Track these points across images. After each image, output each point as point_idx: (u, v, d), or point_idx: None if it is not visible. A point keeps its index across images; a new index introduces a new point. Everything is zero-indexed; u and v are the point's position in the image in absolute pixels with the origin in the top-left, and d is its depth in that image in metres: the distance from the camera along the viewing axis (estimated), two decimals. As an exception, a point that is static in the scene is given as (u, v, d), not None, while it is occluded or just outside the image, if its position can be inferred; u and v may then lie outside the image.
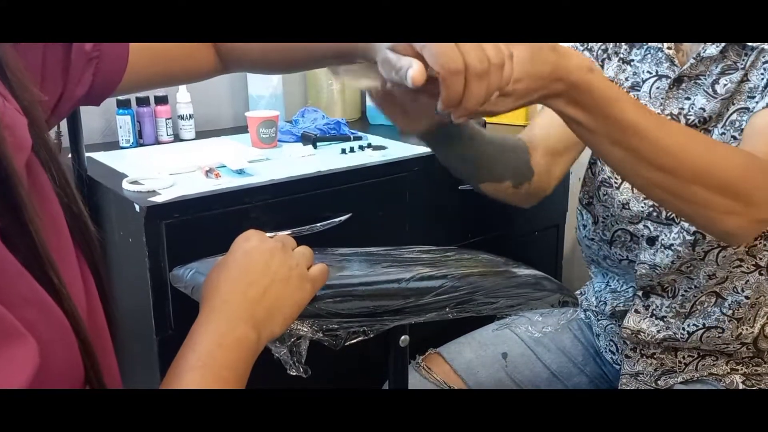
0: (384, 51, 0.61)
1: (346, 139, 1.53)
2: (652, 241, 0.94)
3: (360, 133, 1.58)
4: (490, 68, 0.57)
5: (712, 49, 0.86)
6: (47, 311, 0.46)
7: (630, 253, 0.98)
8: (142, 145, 1.51)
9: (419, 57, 0.58)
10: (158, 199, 1.08)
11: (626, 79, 0.97)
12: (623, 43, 0.97)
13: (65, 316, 0.48)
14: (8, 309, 0.42)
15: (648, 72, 0.94)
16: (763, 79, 0.83)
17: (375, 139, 1.54)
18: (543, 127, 0.98)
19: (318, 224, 1.23)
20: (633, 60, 0.96)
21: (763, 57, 0.83)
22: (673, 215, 0.90)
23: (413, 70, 0.57)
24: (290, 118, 1.68)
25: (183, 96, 1.56)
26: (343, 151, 1.43)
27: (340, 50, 0.69)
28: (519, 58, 0.63)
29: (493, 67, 0.58)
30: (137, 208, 1.06)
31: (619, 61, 0.98)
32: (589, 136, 0.72)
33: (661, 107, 0.92)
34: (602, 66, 1.00)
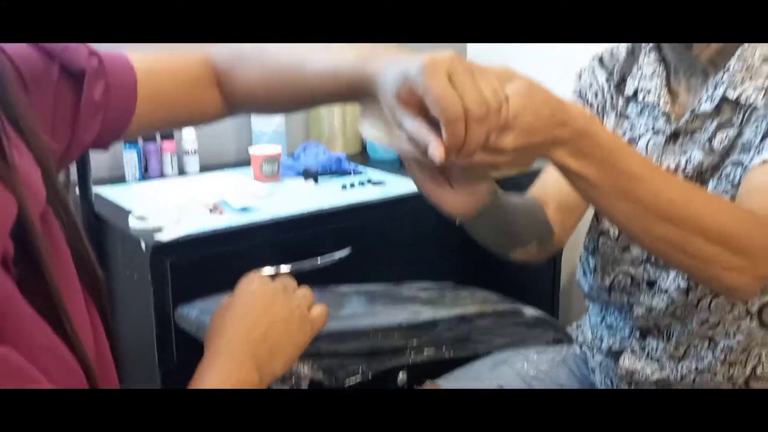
0: (391, 100, 0.62)
1: (347, 173, 1.56)
2: (651, 284, 0.96)
3: (360, 168, 1.62)
4: (489, 111, 0.59)
5: (707, 105, 0.87)
6: (60, 358, 0.49)
7: (630, 297, 0.99)
8: (147, 178, 1.55)
9: (422, 103, 0.60)
10: (163, 236, 1.11)
11: (624, 134, 0.98)
12: (620, 98, 0.98)
13: (77, 362, 0.50)
14: (25, 357, 0.44)
15: (645, 127, 0.95)
16: (756, 135, 0.84)
17: (375, 174, 1.58)
18: (554, 182, 0.97)
19: (318, 259, 1.25)
20: (629, 115, 0.97)
21: (757, 113, 0.85)
22: None
23: (438, 152, 0.59)
24: (292, 152, 1.72)
25: (188, 132, 1.60)
26: (344, 186, 1.46)
27: (341, 88, 0.71)
28: (516, 92, 0.64)
29: (492, 110, 0.60)
30: (143, 246, 1.09)
31: (616, 116, 0.99)
32: (594, 192, 0.71)
33: (658, 161, 0.93)
34: (601, 121, 1.00)
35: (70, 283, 0.56)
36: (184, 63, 0.79)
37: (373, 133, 0.69)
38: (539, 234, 0.96)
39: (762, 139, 0.82)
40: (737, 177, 0.86)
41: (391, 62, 0.64)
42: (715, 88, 0.87)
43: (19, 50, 0.64)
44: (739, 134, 0.86)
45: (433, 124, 0.60)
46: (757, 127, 0.84)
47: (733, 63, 0.86)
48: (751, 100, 0.84)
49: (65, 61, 0.68)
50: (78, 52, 0.69)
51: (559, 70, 1.93)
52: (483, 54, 2.18)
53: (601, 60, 1.02)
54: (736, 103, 0.86)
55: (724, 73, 0.86)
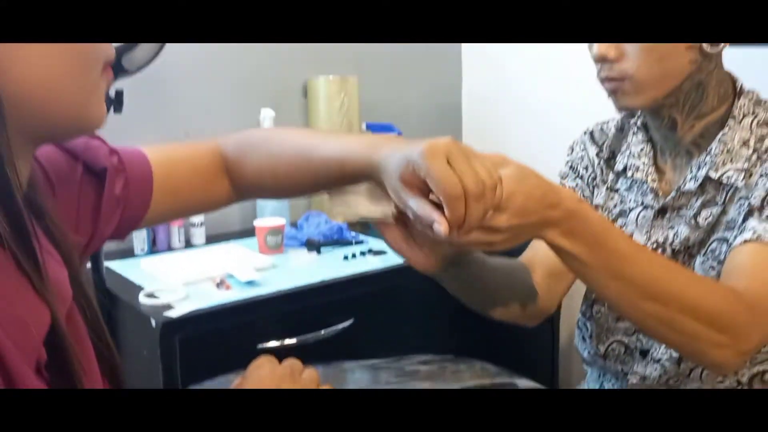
0: (396, 183, 0.67)
1: (348, 243, 1.61)
2: (644, 353, 0.99)
3: (361, 237, 1.67)
4: (485, 190, 0.64)
5: (691, 184, 0.92)
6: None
7: (624, 366, 1.02)
8: (155, 252, 1.60)
9: (424, 183, 0.65)
10: (173, 313, 1.15)
11: (614, 206, 1.02)
12: (610, 172, 1.03)
13: None
14: None
15: (634, 201, 1.00)
16: (739, 213, 0.88)
17: (375, 243, 1.62)
18: (545, 248, 0.96)
19: (322, 331, 1.29)
20: (619, 188, 1.02)
21: (739, 193, 0.89)
22: None
23: (443, 228, 0.64)
24: (295, 221, 1.77)
25: (194, 205, 1.65)
26: (346, 257, 1.50)
27: (347, 174, 0.75)
28: (508, 176, 0.69)
29: (488, 189, 0.65)
30: (153, 323, 1.13)
31: (606, 189, 1.04)
32: (585, 271, 0.75)
33: (647, 234, 0.97)
34: (592, 193, 1.06)
35: (92, 375, 0.59)
36: (196, 153, 0.83)
37: (340, 211, 0.77)
38: (521, 296, 0.98)
39: (744, 220, 0.86)
40: (722, 253, 0.90)
41: (394, 149, 0.69)
42: (699, 169, 0.92)
43: (45, 151, 0.69)
44: (724, 212, 0.91)
45: (434, 202, 0.65)
46: (740, 206, 0.89)
47: (714, 146, 0.91)
48: (732, 180, 0.89)
49: (88, 160, 0.73)
50: (99, 150, 0.74)
51: (550, 71, 2.02)
52: (477, 54, 2.21)
53: (591, 135, 1.08)
54: (719, 182, 0.90)
55: (706, 155, 0.91)
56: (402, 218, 0.74)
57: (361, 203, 0.76)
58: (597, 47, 0.89)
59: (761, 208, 0.85)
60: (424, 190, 0.66)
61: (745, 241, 0.83)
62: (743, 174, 0.89)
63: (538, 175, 0.72)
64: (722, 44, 0.88)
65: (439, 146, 0.64)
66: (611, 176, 1.04)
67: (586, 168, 1.07)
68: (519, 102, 2.08)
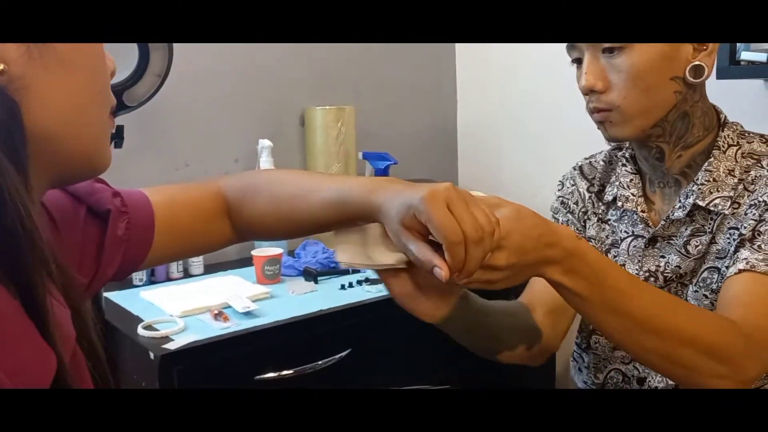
0: (396, 226, 0.69)
1: (345, 272, 1.63)
2: (641, 381, 1.00)
3: (358, 266, 1.68)
4: (484, 235, 0.66)
5: (680, 212, 0.94)
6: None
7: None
8: (154, 282, 1.61)
9: (424, 228, 0.67)
10: (171, 345, 1.16)
11: (607, 237, 1.04)
12: (601, 204, 1.06)
13: None
14: None
15: (625, 232, 1.01)
16: (730, 243, 0.90)
17: (371, 272, 1.64)
18: (544, 287, 0.98)
19: (320, 362, 1.30)
20: (610, 219, 1.04)
21: (728, 222, 0.92)
22: None
23: (443, 273, 0.66)
24: (292, 250, 1.78)
25: (193, 235, 1.67)
26: (343, 286, 1.52)
27: (346, 216, 0.77)
28: (506, 217, 0.71)
29: (486, 234, 0.67)
30: (152, 356, 1.14)
31: (597, 221, 1.06)
32: (585, 307, 0.77)
33: (639, 264, 0.99)
34: (584, 227, 1.08)
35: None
36: (198, 195, 0.85)
37: (346, 257, 0.76)
38: (525, 337, 0.99)
39: (736, 250, 0.88)
40: (714, 282, 0.92)
41: (395, 193, 0.71)
42: (687, 197, 0.94)
43: (49, 194, 0.70)
44: (714, 241, 0.93)
45: (434, 245, 0.67)
46: (730, 235, 0.91)
47: (701, 175, 0.93)
48: (719, 208, 0.91)
49: (92, 203, 0.74)
50: (103, 193, 0.76)
51: (545, 100, 2.04)
52: (473, 83, 2.24)
53: (581, 169, 1.10)
54: (707, 210, 0.93)
55: (693, 184, 0.94)
56: (412, 265, 0.73)
57: (372, 247, 0.75)
58: (584, 79, 0.91)
59: (752, 239, 0.87)
60: (424, 234, 0.68)
61: (740, 271, 0.85)
62: (729, 202, 0.91)
63: (535, 215, 0.74)
64: (705, 74, 0.90)
65: (440, 192, 0.66)
66: (602, 208, 1.06)
67: (576, 203, 1.09)
68: (514, 131, 2.11)
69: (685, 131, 0.94)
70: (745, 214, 0.90)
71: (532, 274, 0.75)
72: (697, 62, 0.89)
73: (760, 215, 0.88)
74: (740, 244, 0.88)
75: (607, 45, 0.89)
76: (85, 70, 0.55)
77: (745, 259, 0.85)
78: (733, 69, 1.21)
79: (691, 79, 0.90)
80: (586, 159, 1.11)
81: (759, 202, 0.89)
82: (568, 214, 1.10)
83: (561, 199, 1.12)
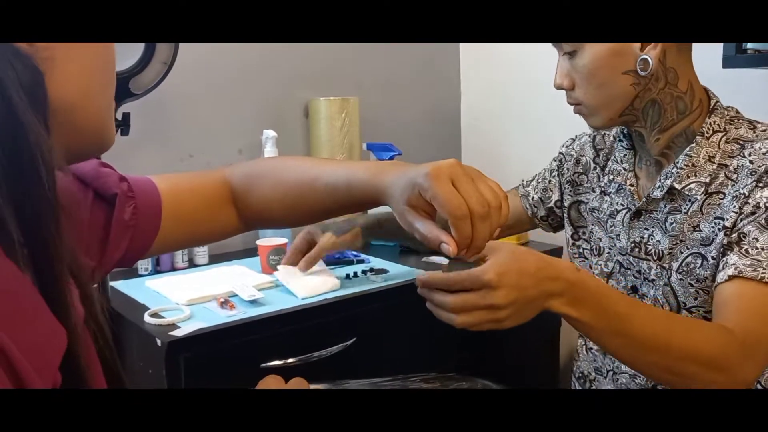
0: (402, 206, 0.69)
1: (350, 262, 1.63)
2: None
3: (362, 255, 1.68)
4: (490, 210, 0.67)
5: (658, 192, 0.99)
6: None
7: (613, 363, 1.08)
8: (159, 272, 1.61)
9: (430, 206, 0.68)
10: (178, 333, 1.16)
11: (607, 208, 1.09)
12: (603, 177, 1.11)
13: None
14: None
15: (620, 204, 1.07)
16: (714, 233, 0.94)
17: (377, 262, 1.64)
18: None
19: (325, 350, 1.31)
20: (610, 192, 1.09)
21: (713, 212, 0.94)
22: None
23: (451, 248, 0.67)
24: (297, 240, 1.79)
25: (197, 225, 1.67)
26: (347, 276, 1.52)
27: (353, 201, 0.77)
28: (501, 257, 0.75)
29: (493, 209, 0.67)
30: (158, 342, 1.14)
31: (600, 193, 1.11)
32: (591, 333, 0.81)
33: (628, 235, 1.04)
34: (561, 191, 1.15)
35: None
36: (204, 182, 0.85)
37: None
38: None
39: (724, 253, 0.91)
40: (698, 267, 0.95)
41: (399, 174, 0.71)
42: (666, 178, 0.98)
43: (57, 177, 0.71)
44: (696, 228, 0.96)
45: (441, 224, 0.68)
46: (714, 225, 0.94)
47: (681, 159, 0.97)
48: (693, 193, 0.96)
49: (99, 187, 0.74)
50: (110, 177, 0.76)
51: (549, 90, 2.02)
52: (475, 74, 2.24)
53: (593, 139, 1.16)
54: (688, 192, 0.97)
55: (673, 166, 0.98)
56: None
57: None
58: (555, 79, 1.01)
59: (739, 242, 0.90)
60: (430, 212, 0.69)
61: (729, 278, 0.88)
62: (703, 187, 0.95)
63: (531, 252, 0.78)
64: (650, 68, 0.94)
65: (444, 168, 0.67)
66: (605, 180, 1.11)
67: (569, 169, 1.16)
68: (518, 121, 2.11)
69: (659, 116, 0.98)
70: (730, 205, 0.93)
71: (538, 308, 0.78)
72: (644, 56, 0.94)
73: (740, 208, 0.91)
74: (729, 247, 0.91)
75: (567, 48, 0.98)
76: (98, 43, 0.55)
77: (733, 264, 0.88)
78: (739, 58, 1.22)
79: (641, 72, 0.94)
80: (600, 132, 1.17)
81: (740, 194, 0.92)
82: (558, 176, 1.17)
83: (561, 157, 1.20)
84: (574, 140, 1.20)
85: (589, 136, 1.16)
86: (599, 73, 0.96)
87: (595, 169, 1.13)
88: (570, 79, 0.99)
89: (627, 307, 0.81)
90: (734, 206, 0.92)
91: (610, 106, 0.98)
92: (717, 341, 0.82)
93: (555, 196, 1.19)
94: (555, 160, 1.22)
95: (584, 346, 1.17)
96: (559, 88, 1.01)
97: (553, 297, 0.77)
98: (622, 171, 1.06)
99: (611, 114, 0.99)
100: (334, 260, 1.63)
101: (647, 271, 1.01)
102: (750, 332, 0.83)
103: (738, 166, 0.93)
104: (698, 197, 0.95)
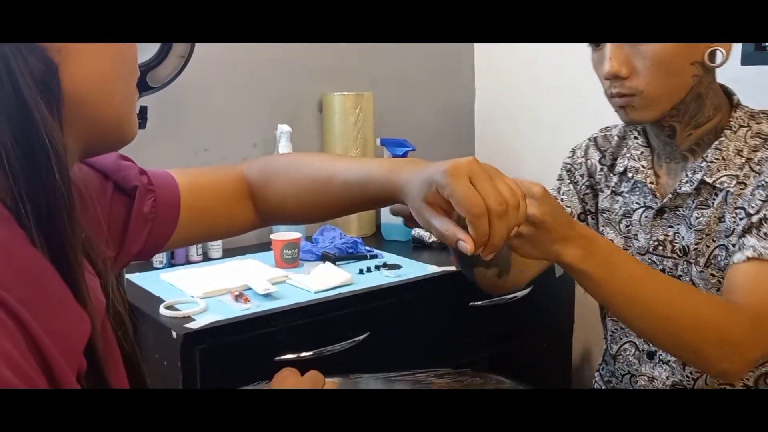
0: (419, 204, 0.69)
1: (363, 257, 1.63)
2: (651, 355, 1.03)
3: (375, 251, 1.69)
4: (508, 208, 0.67)
5: (687, 187, 0.98)
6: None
7: (630, 368, 1.07)
8: (173, 265, 1.62)
9: (447, 203, 0.67)
10: (193, 325, 1.17)
11: (619, 208, 1.08)
12: (613, 177, 1.09)
13: None
14: None
15: (637, 203, 1.05)
16: (736, 223, 0.93)
17: (390, 257, 1.65)
18: None
19: (338, 344, 1.31)
20: (623, 191, 1.07)
21: (735, 202, 0.94)
22: None
23: (468, 246, 0.66)
24: (310, 235, 1.79)
25: (212, 218, 1.68)
26: (361, 271, 1.53)
27: (369, 197, 0.77)
28: (542, 189, 0.75)
29: (511, 207, 0.67)
30: (174, 335, 1.15)
31: (611, 193, 1.09)
32: (600, 291, 0.80)
33: (649, 234, 1.03)
34: (583, 200, 1.12)
35: (120, 386, 0.61)
36: (222, 178, 0.85)
37: None
38: (500, 263, 0.99)
39: (743, 234, 0.91)
40: (722, 258, 0.95)
41: (417, 171, 0.71)
42: (694, 173, 0.97)
43: (78, 169, 0.71)
44: (721, 219, 0.96)
45: (458, 221, 0.68)
46: (737, 215, 0.93)
47: (710, 153, 0.96)
48: (725, 186, 0.95)
49: (119, 180, 0.75)
50: (130, 170, 0.76)
51: (562, 85, 2.03)
52: (490, 69, 2.24)
53: (595, 141, 1.13)
54: (713, 187, 0.96)
55: (702, 161, 0.97)
56: None
57: None
58: (608, 65, 0.92)
59: (759, 225, 0.89)
60: (447, 210, 0.69)
61: (747, 259, 0.88)
62: (735, 180, 0.94)
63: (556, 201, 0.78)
64: (723, 59, 0.92)
65: (462, 166, 0.66)
66: (614, 180, 1.09)
67: (583, 176, 1.13)
68: (532, 117, 2.11)
69: (698, 111, 0.96)
70: (752, 194, 0.92)
71: (551, 250, 0.78)
72: (717, 48, 0.91)
73: (767, 196, 0.90)
74: (747, 230, 0.90)
75: None
76: None
77: (752, 246, 0.88)
78: (758, 55, 1.21)
79: (709, 63, 0.92)
80: (601, 131, 1.15)
81: (766, 183, 0.92)
82: (571, 185, 1.13)
83: (569, 167, 1.15)
84: (573, 152, 1.16)
85: (589, 140, 1.14)
86: (672, 62, 0.90)
87: (602, 170, 1.11)
88: (630, 67, 0.92)
89: (639, 271, 0.81)
90: (760, 194, 0.91)
91: (670, 97, 0.93)
92: (728, 318, 0.82)
93: (576, 211, 1.13)
94: (564, 170, 1.16)
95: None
96: (613, 76, 0.92)
97: (567, 241, 0.77)
98: (641, 168, 1.04)
99: (668, 105, 0.93)
100: (347, 255, 1.63)
101: (672, 269, 1.00)
102: (762, 312, 0.83)
103: (762, 158, 0.93)
104: (731, 189, 0.94)
